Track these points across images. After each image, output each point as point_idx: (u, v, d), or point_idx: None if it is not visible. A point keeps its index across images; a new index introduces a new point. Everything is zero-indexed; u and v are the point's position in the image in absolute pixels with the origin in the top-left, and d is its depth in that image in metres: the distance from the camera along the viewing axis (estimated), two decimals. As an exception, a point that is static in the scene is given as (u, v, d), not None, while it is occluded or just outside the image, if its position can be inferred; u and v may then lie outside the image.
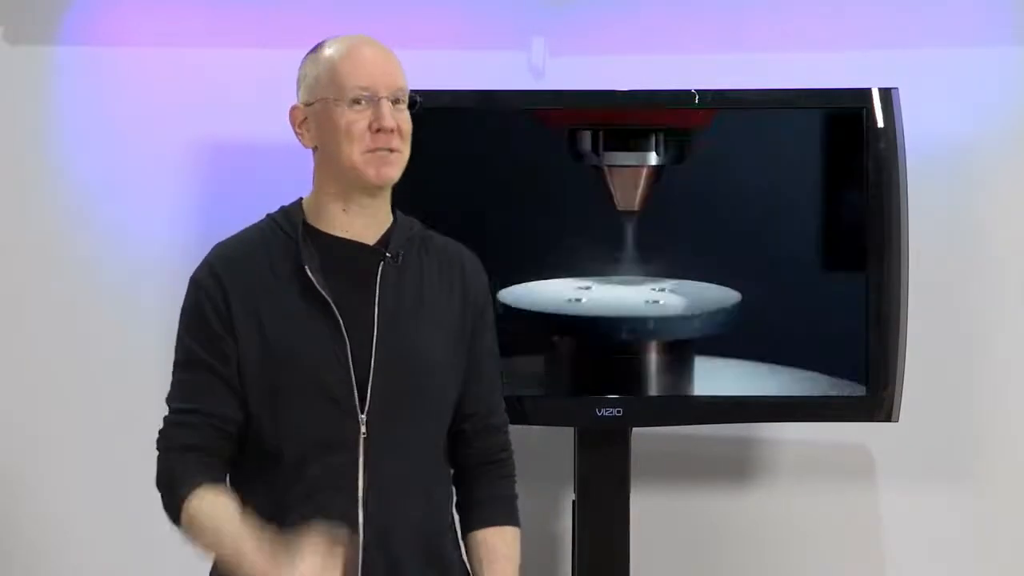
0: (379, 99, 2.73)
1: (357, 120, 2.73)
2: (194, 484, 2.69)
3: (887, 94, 3.50)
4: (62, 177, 3.86)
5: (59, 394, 3.86)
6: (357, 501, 2.72)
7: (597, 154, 3.50)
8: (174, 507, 2.71)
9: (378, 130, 2.72)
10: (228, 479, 2.78)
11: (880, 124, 3.49)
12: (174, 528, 2.72)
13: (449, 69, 3.72)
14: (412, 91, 2.81)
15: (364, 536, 2.72)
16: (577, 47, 3.84)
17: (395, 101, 2.75)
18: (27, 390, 3.86)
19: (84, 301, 3.85)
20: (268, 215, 2.85)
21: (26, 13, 3.86)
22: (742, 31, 3.83)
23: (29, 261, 3.87)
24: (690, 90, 3.52)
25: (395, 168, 2.76)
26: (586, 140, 3.50)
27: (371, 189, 2.76)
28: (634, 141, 3.50)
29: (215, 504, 2.68)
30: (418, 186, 3.33)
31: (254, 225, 2.85)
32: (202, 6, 3.85)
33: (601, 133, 3.49)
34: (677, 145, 3.50)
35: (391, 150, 2.74)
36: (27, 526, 3.87)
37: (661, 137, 3.50)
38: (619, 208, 3.49)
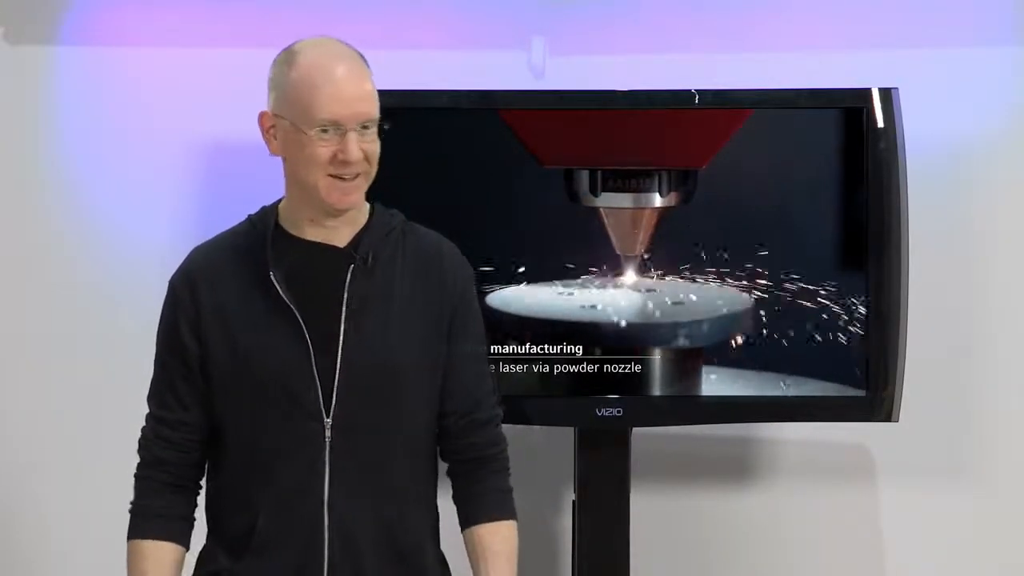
0: (346, 131, 2.72)
1: (322, 148, 2.72)
2: (148, 523, 2.81)
3: (887, 94, 3.50)
4: (62, 177, 3.86)
5: (58, 394, 3.86)
6: (323, 504, 2.74)
7: (594, 194, 3.49)
8: (129, 530, 2.84)
9: (343, 161, 2.72)
10: (205, 477, 2.87)
11: (880, 124, 3.49)
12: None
13: (449, 69, 3.72)
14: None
15: (329, 539, 2.74)
16: (577, 47, 3.84)
17: (365, 127, 2.74)
18: (25, 390, 3.86)
19: (83, 301, 3.85)
20: (248, 216, 2.86)
21: (26, 13, 3.86)
22: (742, 31, 3.83)
23: (28, 261, 3.87)
24: (690, 90, 3.52)
25: (357, 194, 2.76)
26: (583, 181, 3.49)
27: (336, 213, 2.77)
28: (635, 181, 3.49)
29: (152, 560, 2.79)
30: (417, 186, 3.35)
31: (233, 227, 2.87)
32: (202, 6, 3.85)
33: (599, 173, 3.48)
34: (683, 182, 3.50)
35: (358, 175, 2.74)
36: (26, 527, 3.87)
37: (664, 176, 3.49)
38: (618, 252, 3.49)
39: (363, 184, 2.76)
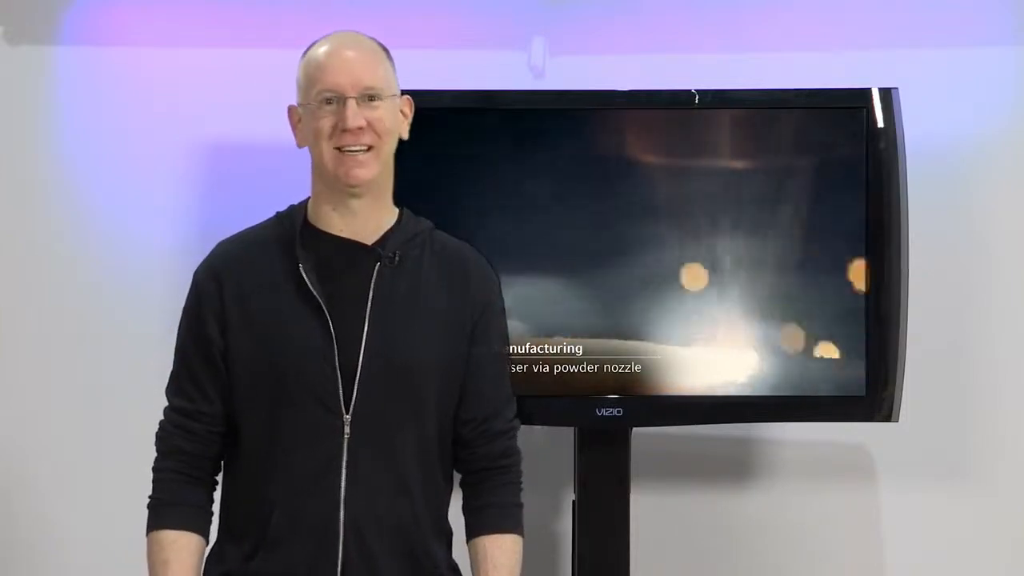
0: (345, 99, 2.74)
1: (325, 121, 2.76)
2: (167, 514, 2.80)
3: (887, 94, 3.50)
4: (62, 177, 3.86)
5: (58, 394, 3.86)
6: (339, 500, 2.74)
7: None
8: (148, 523, 2.82)
9: (344, 130, 2.74)
10: (221, 472, 2.86)
11: (880, 124, 3.49)
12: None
13: (449, 69, 3.72)
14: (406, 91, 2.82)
15: (344, 535, 2.74)
16: (577, 47, 3.84)
17: (370, 98, 2.76)
18: (26, 390, 3.86)
19: (83, 301, 3.85)
20: (277, 213, 2.87)
21: (26, 13, 3.86)
22: (742, 31, 3.83)
23: (28, 261, 3.87)
24: (690, 90, 3.52)
25: (366, 168, 2.77)
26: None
27: (349, 189, 2.77)
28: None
29: (173, 549, 2.78)
30: (418, 186, 3.34)
31: (261, 223, 2.88)
32: (202, 6, 3.85)
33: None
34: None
35: (368, 148, 2.75)
36: (27, 528, 3.87)
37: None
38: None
39: (372, 159, 2.77)
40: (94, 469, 3.83)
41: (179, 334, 2.85)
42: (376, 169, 2.78)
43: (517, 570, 2.85)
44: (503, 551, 2.83)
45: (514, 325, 3.42)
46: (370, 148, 2.76)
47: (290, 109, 2.84)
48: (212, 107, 3.83)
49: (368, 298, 2.77)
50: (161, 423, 2.84)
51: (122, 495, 3.75)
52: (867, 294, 3.48)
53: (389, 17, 3.78)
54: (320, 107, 2.76)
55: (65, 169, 3.86)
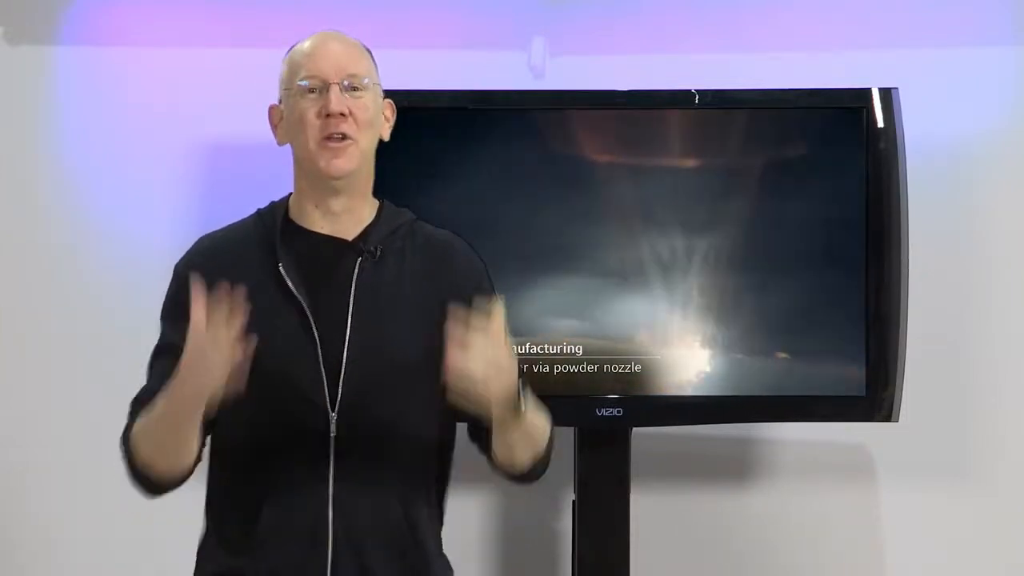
0: (329, 85, 2.74)
1: (309, 108, 2.75)
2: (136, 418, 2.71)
3: (887, 94, 3.50)
4: (62, 177, 3.86)
5: (58, 394, 3.86)
6: (327, 499, 2.73)
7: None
8: (127, 454, 2.72)
9: (327, 115, 2.74)
10: (208, 474, 2.81)
11: (880, 124, 3.49)
12: (135, 484, 2.72)
13: (449, 69, 3.72)
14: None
15: (333, 534, 2.73)
16: (577, 47, 3.84)
17: (352, 88, 2.76)
18: (26, 390, 3.86)
19: (83, 301, 3.85)
20: (257, 210, 2.86)
21: (26, 13, 3.86)
22: (742, 31, 3.84)
23: (28, 261, 3.87)
24: (690, 90, 3.52)
25: (347, 159, 2.75)
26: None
27: (331, 182, 2.77)
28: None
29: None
30: (417, 186, 3.35)
31: (242, 220, 2.87)
32: (202, 6, 3.86)
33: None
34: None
35: (344, 137, 2.75)
36: (27, 528, 3.87)
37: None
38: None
39: (354, 151, 2.76)
40: (94, 469, 3.83)
41: (162, 329, 2.80)
42: (357, 161, 2.77)
43: (545, 429, 2.79)
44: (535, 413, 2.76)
45: (515, 325, 3.42)
46: (350, 141, 2.76)
47: (271, 109, 2.84)
48: (212, 107, 3.83)
49: (350, 294, 2.76)
50: (130, 416, 2.78)
51: (122, 495, 3.75)
52: (867, 294, 3.48)
53: (389, 17, 3.78)
54: (303, 95, 2.75)
55: (65, 169, 3.87)
